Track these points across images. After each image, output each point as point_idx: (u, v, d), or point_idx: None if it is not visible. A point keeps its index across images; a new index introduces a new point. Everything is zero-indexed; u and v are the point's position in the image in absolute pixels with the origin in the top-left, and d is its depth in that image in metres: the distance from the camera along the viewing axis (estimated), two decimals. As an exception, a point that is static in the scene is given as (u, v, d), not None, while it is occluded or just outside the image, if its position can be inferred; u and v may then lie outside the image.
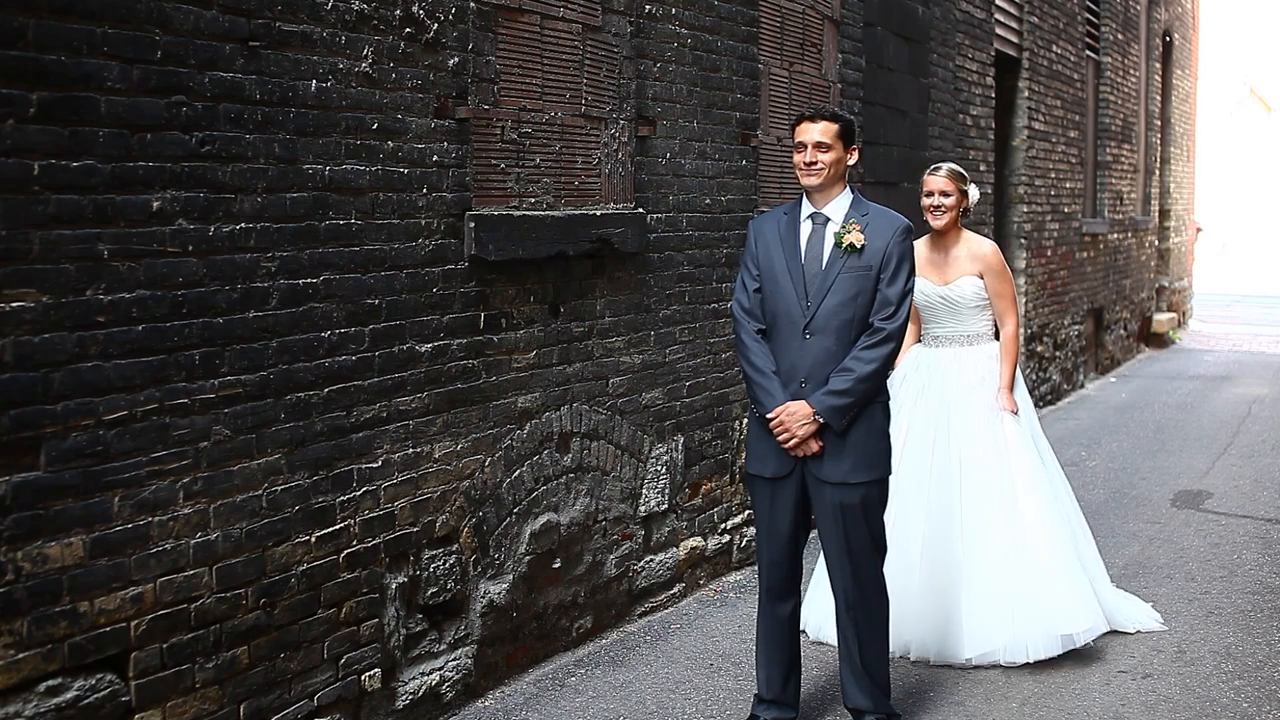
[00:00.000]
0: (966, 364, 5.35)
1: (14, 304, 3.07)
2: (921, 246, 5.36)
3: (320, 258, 3.94)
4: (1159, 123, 16.87)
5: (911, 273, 4.32)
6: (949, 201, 5.31)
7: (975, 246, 5.39)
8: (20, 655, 3.11)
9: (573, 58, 5.10)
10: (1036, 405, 11.43)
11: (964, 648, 5.08)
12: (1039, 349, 11.56)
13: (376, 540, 4.20)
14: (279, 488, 3.83)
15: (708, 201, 6.00)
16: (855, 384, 4.16)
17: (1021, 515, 5.16)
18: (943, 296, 5.36)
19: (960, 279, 5.33)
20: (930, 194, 5.34)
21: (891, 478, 4.44)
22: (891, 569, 4.54)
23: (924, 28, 8.70)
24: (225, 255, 3.61)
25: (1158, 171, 16.78)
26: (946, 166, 5.40)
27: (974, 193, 5.44)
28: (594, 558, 5.34)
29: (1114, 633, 5.36)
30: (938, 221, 5.33)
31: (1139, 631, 5.42)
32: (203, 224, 3.54)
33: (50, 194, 3.14)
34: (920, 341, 5.51)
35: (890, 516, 4.58)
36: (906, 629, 5.07)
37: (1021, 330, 5.76)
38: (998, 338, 5.45)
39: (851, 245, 4.23)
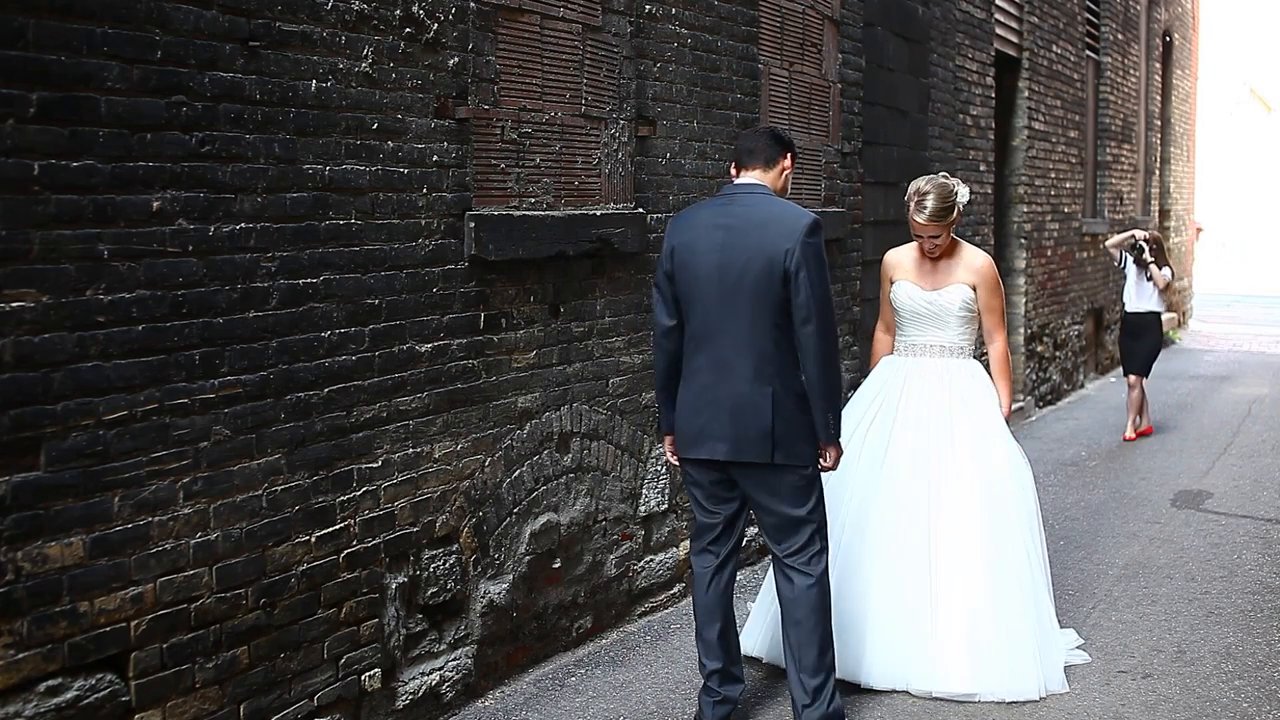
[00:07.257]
0: (948, 378, 5.07)
1: (14, 304, 3.07)
2: (912, 251, 5.21)
3: (320, 258, 3.94)
4: (1159, 123, 16.87)
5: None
6: (939, 240, 5.08)
7: (970, 258, 5.17)
8: (20, 655, 3.11)
9: (573, 58, 5.10)
10: (1037, 405, 11.44)
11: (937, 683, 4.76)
12: (1039, 349, 11.56)
13: (376, 540, 4.20)
14: (279, 488, 3.83)
15: (708, 201, 5.99)
16: None
17: (1007, 557, 4.85)
18: (929, 302, 5.11)
19: (950, 286, 5.10)
20: (919, 236, 5.11)
21: (857, 498, 4.86)
22: (854, 585, 4.78)
23: (924, 28, 8.70)
24: (225, 255, 3.61)
25: (1158, 171, 16.79)
26: (930, 205, 5.02)
27: (963, 194, 5.11)
28: (594, 558, 5.34)
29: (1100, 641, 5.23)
30: (934, 254, 5.13)
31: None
32: (203, 224, 3.54)
33: (50, 194, 3.13)
34: (894, 351, 5.24)
35: (848, 531, 4.89)
36: (868, 657, 4.79)
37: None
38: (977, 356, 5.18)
39: None
